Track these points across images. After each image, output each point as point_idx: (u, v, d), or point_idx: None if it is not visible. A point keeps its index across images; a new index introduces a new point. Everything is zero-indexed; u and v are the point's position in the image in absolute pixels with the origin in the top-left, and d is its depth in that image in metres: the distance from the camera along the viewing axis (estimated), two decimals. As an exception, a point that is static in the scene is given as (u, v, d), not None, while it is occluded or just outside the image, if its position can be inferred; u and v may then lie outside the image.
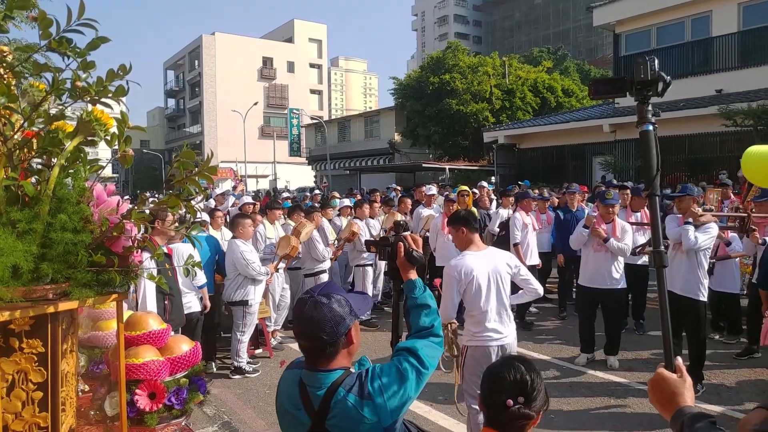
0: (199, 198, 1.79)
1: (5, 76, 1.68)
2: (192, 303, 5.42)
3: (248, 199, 9.91)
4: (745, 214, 5.48)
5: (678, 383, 1.24)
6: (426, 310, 1.82)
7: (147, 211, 1.73)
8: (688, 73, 17.10)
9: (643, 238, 6.53)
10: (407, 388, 1.61)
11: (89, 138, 1.70)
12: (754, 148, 3.99)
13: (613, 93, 1.47)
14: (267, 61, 56.37)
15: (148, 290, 4.37)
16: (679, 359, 1.28)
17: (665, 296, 1.33)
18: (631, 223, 6.72)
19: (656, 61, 1.36)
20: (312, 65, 60.09)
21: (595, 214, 5.89)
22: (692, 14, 17.10)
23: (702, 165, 16.00)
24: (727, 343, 6.23)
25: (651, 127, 1.36)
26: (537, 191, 10.68)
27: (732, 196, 7.92)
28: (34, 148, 1.69)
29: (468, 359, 3.70)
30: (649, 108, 1.38)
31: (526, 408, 1.61)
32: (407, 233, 1.93)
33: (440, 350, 1.78)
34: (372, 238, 2.05)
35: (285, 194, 13.99)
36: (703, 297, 4.98)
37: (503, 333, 3.68)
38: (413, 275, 1.91)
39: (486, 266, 3.65)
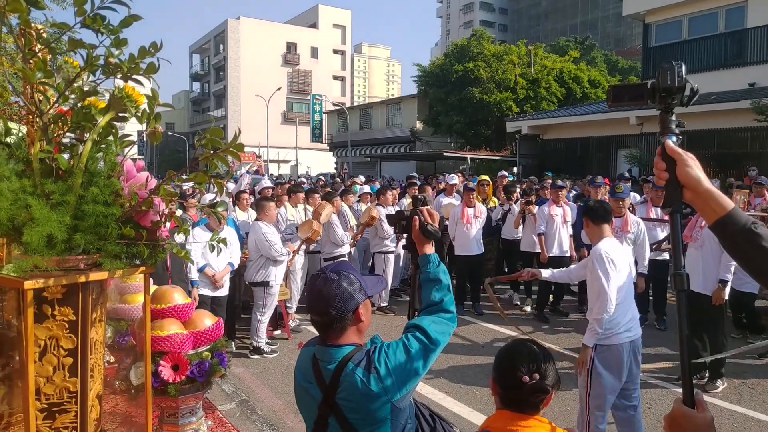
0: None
1: (41, 52, 1.73)
2: (209, 288, 5.54)
3: (267, 182, 9.99)
4: (766, 215, 5.39)
5: (700, 420, 1.11)
6: (437, 285, 1.84)
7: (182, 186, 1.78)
8: (720, 65, 16.62)
9: (663, 234, 6.43)
10: (414, 363, 1.64)
11: (120, 114, 1.74)
12: None
13: (634, 100, 1.34)
14: (291, 47, 56.38)
15: None
16: (701, 394, 1.16)
17: (686, 323, 1.20)
18: (651, 219, 6.63)
19: (684, 67, 1.26)
20: (335, 51, 59.91)
21: None
22: (727, 4, 16.56)
23: (731, 161, 15.60)
24: (750, 343, 6.12)
25: (675, 139, 1.26)
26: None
27: (767, 194, 7.68)
28: (68, 123, 1.74)
29: (597, 360, 3.33)
30: (673, 118, 1.27)
31: (542, 382, 1.67)
32: (424, 207, 1.95)
33: (451, 325, 1.80)
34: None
35: (302, 179, 14.15)
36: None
37: (634, 327, 3.37)
38: (428, 249, 1.92)
39: (625, 255, 3.41)
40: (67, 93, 1.69)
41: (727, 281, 4.87)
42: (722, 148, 16.20)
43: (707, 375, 5.00)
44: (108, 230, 1.62)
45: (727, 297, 5.03)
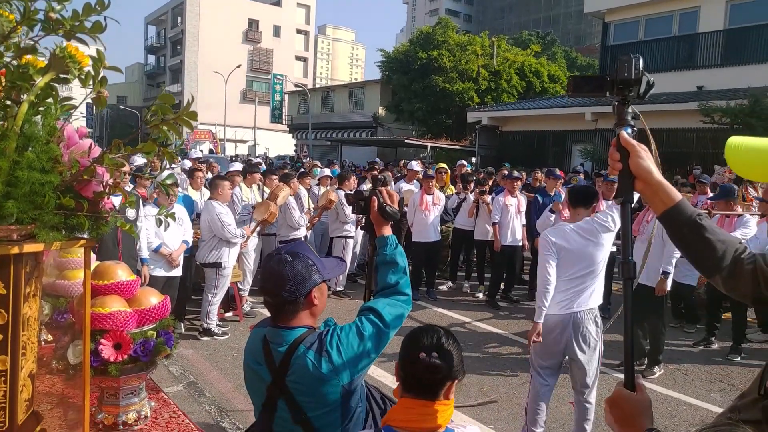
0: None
1: (-27, 3, 1.58)
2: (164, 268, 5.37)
3: (237, 166, 9.58)
4: (706, 211, 5.66)
5: (639, 402, 1.15)
6: (393, 268, 1.82)
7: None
8: (672, 67, 17.27)
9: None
10: (366, 346, 1.62)
11: (62, 75, 1.62)
12: (736, 139, 4.09)
13: (593, 91, 1.38)
14: (253, 24, 54.94)
15: None
16: (641, 378, 1.21)
17: (630, 311, 1.22)
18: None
19: (641, 60, 1.29)
20: (299, 31, 58.80)
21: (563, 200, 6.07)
22: (682, 8, 17.19)
23: (678, 159, 16.29)
24: (686, 332, 6.45)
25: (630, 131, 1.30)
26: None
27: (709, 192, 8.04)
28: (2, 83, 1.60)
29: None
30: (629, 110, 1.31)
31: (437, 361, 1.49)
32: (383, 188, 1.92)
33: (406, 308, 1.77)
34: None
35: (256, 160, 14.02)
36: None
37: (575, 302, 3.50)
38: (386, 231, 1.89)
39: (582, 238, 3.49)
40: (1, 50, 1.56)
41: (669, 273, 5.09)
42: (670, 147, 16.88)
43: (646, 361, 5.24)
44: (45, 199, 1.51)
45: (668, 288, 5.27)
